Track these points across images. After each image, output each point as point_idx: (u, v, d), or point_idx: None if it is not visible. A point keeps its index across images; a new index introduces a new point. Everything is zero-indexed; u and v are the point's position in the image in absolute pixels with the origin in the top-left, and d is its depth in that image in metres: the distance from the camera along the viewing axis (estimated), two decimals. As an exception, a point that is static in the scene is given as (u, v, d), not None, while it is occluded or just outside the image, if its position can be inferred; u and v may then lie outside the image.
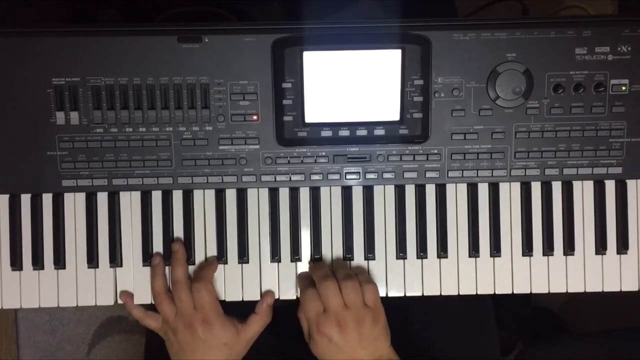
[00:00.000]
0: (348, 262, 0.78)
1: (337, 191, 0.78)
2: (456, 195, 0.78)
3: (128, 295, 0.77)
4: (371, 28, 0.75)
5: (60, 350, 1.46)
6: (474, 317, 0.74)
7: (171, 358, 0.77)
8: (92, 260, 0.77)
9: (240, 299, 0.78)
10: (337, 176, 0.77)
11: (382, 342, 0.73)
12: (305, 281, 0.76)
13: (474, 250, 0.78)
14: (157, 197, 0.77)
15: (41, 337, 1.45)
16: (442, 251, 0.78)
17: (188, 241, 0.77)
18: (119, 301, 0.78)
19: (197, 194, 0.77)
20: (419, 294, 0.78)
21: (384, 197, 0.78)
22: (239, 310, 0.77)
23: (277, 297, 0.78)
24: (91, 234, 0.77)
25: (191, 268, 0.77)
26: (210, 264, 0.77)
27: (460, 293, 0.78)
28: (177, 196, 0.77)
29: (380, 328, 0.73)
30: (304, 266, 0.78)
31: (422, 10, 0.82)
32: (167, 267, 0.77)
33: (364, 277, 0.74)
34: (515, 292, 0.79)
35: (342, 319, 0.71)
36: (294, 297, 0.78)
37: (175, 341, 0.75)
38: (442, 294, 0.78)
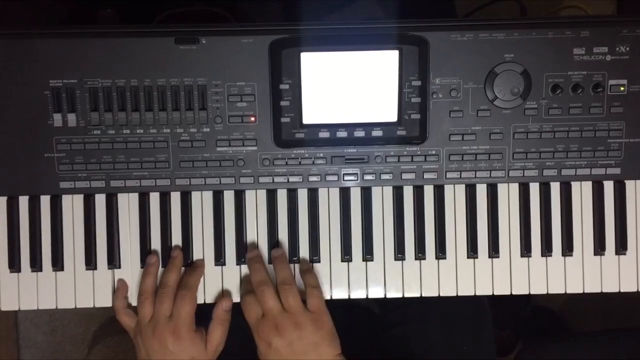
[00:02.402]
0: (294, 263, 0.77)
1: (335, 192, 0.78)
2: (454, 196, 0.78)
3: (124, 284, 0.77)
4: (369, 29, 0.74)
5: (60, 351, 1.46)
6: (470, 317, 0.74)
7: None
8: (90, 262, 0.77)
9: (238, 301, 0.78)
10: (335, 177, 0.77)
11: (326, 349, 0.71)
12: (246, 286, 0.75)
13: (472, 252, 0.78)
14: (155, 198, 0.77)
15: (41, 337, 1.46)
16: (441, 252, 0.78)
17: (186, 243, 0.77)
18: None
19: (195, 196, 0.77)
20: (418, 295, 0.78)
21: (382, 198, 0.78)
22: (236, 309, 0.77)
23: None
24: (89, 235, 0.77)
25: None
26: (196, 269, 0.76)
27: (459, 294, 0.78)
28: (175, 198, 0.77)
29: (323, 334, 0.71)
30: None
31: (421, 10, 0.82)
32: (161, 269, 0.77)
33: (310, 281, 0.74)
34: (513, 293, 0.79)
35: (280, 323, 0.70)
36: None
37: (143, 346, 0.74)
38: (441, 295, 0.78)
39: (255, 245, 0.77)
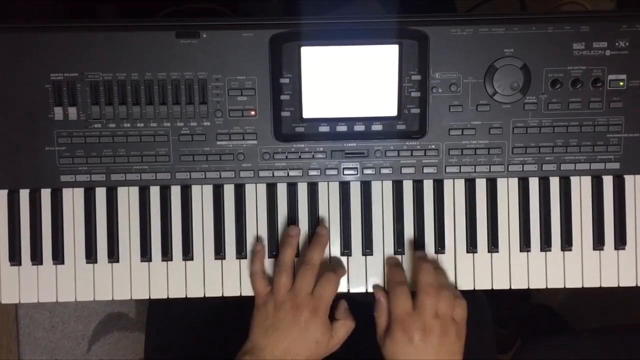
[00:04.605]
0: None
1: (334, 187, 0.78)
2: (454, 190, 0.78)
3: (262, 249, 0.77)
4: (369, 23, 0.75)
5: (61, 347, 1.46)
6: (469, 314, 0.75)
7: (253, 327, 0.74)
8: (91, 255, 0.77)
9: (239, 294, 0.78)
10: (334, 172, 0.77)
11: (458, 357, 0.73)
12: (400, 276, 0.75)
13: (471, 246, 0.78)
14: (155, 192, 0.77)
15: (41, 334, 1.46)
16: (440, 247, 0.78)
17: (186, 237, 0.77)
18: (118, 297, 0.78)
19: (195, 190, 0.77)
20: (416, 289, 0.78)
21: (381, 192, 0.78)
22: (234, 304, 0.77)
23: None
24: (89, 229, 0.77)
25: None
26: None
27: (458, 289, 0.78)
28: (175, 191, 0.77)
29: (460, 346, 0.73)
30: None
31: (421, 5, 0.82)
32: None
33: (456, 292, 0.75)
34: (512, 287, 0.79)
35: (429, 325, 0.71)
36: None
37: (273, 315, 0.73)
38: (440, 289, 0.78)
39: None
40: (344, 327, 0.76)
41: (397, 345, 0.72)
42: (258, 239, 0.78)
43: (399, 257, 0.78)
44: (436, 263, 0.78)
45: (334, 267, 0.77)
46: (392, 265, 0.77)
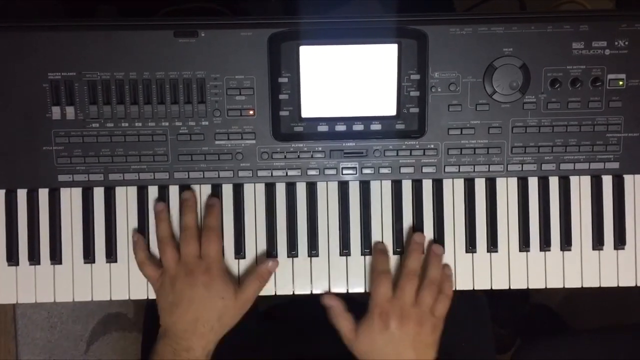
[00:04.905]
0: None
1: (333, 186, 0.78)
2: (453, 190, 0.78)
3: (141, 236, 0.76)
4: (368, 23, 0.74)
5: (59, 347, 1.46)
6: (468, 313, 0.75)
7: (160, 312, 0.73)
8: (89, 255, 0.77)
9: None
10: (333, 171, 0.77)
11: (430, 352, 0.73)
12: (384, 265, 0.75)
13: (470, 246, 0.78)
14: (153, 192, 0.77)
15: (39, 334, 1.45)
16: (439, 246, 0.78)
17: (184, 236, 0.77)
18: (116, 297, 0.78)
19: (194, 189, 0.77)
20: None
21: (380, 192, 0.78)
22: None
23: (273, 292, 0.78)
24: (87, 229, 0.77)
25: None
26: (212, 208, 0.75)
27: (458, 288, 0.78)
28: (174, 191, 0.77)
29: (435, 339, 0.73)
30: (300, 262, 0.78)
31: (420, 5, 0.82)
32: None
33: (446, 289, 0.75)
34: (512, 287, 0.79)
35: (406, 312, 0.71)
36: (291, 293, 0.78)
37: (171, 292, 0.72)
38: (439, 289, 0.78)
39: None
40: (252, 284, 0.74)
41: (372, 332, 0.72)
42: (256, 238, 0.78)
43: (397, 257, 0.78)
44: (439, 258, 0.77)
45: (207, 214, 0.75)
46: (378, 252, 0.77)
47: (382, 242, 0.78)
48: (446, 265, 0.78)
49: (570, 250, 0.78)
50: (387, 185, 0.78)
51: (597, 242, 0.78)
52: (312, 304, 0.77)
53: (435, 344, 0.73)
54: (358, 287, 0.78)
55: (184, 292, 0.71)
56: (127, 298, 0.78)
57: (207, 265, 0.72)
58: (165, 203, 0.76)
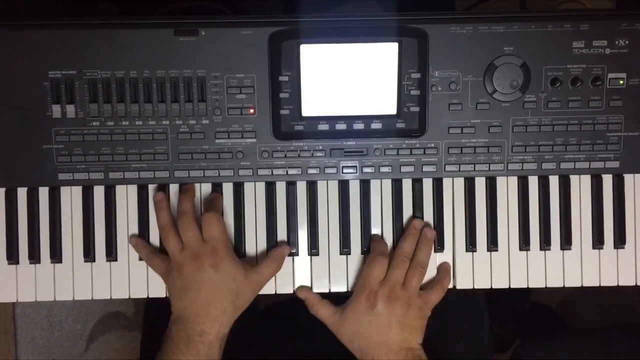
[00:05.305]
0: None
1: (334, 185, 0.78)
2: (453, 189, 0.78)
3: (138, 237, 0.76)
4: (368, 21, 0.74)
5: (58, 346, 1.45)
6: (466, 312, 0.75)
7: (170, 299, 0.73)
8: (89, 254, 0.77)
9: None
10: (334, 170, 0.77)
11: (416, 336, 0.73)
12: (383, 248, 0.76)
13: (470, 245, 0.78)
14: (153, 191, 0.77)
15: (39, 333, 1.45)
16: (439, 245, 0.78)
17: (184, 235, 0.77)
18: (116, 296, 0.78)
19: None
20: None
21: (380, 191, 0.78)
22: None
23: (273, 291, 0.78)
24: (87, 228, 0.77)
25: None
26: (212, 195, 0.76)
27: (457, 287, 0.78)
28: (174, 190, 0.77)
29: (421, 322, 0.73)
30: (300, 261, 0.78)
31: (421, 3, 0.82)
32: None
33: (445, 279, 0.76)
34: (512, 286, 0.79)
35: (394, 295, 0.72)
36: (291, 292, 0.78)
37: (179, 279, 0.70)
38: (439, 288, 0.78)
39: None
40: (268, 265, 0.74)
41: (359, 312, 0.72)
42: (256, 237, 0.78)
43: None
44: (430, 242, 0.77)
45: (209, 198, 0.76)
46: (377, 239, 0.77)
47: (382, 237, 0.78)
48: (445, 262, 0.78)
49: (570, 249, 0.78)
50: (388, 184, 0.78)
51: (597, 242, 0.78)
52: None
53: (422, 328, 0.73)
54: (358, 286, 0.78)
55: (192, 277, 0.70)
56: (127, 297, 0.78)
57: (212, 247, 0.71)
58: (164, 193, 0.76)
